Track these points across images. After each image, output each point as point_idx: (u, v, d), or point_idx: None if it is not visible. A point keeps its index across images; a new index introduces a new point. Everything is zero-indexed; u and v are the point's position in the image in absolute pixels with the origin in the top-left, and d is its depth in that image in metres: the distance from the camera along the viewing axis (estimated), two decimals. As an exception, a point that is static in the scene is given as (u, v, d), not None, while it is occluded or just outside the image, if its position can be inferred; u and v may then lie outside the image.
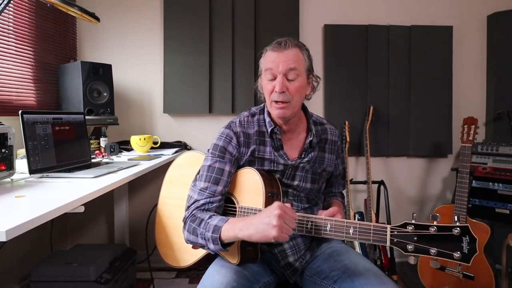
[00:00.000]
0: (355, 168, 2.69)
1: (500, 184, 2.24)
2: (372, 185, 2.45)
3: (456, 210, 2.06)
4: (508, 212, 2.19)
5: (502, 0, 2.59)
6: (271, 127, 1.20)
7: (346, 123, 2.52)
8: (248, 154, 1.20)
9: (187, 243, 1.16)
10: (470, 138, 2.09)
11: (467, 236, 0.85)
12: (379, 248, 2.32)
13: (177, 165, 1.46)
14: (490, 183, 2.28)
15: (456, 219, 0.90)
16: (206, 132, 2.61)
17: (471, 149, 2.09)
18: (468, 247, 0.84)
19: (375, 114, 2.57)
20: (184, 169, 1.42)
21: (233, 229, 1.01)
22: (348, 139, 2.47)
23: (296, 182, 1.23)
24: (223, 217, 1.07)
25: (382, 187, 2.50)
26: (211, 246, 1.05)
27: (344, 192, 1.48)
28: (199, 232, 1.08)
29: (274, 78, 1.14)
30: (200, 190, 1.16)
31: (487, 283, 2.00)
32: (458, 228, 0.85)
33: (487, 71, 2.66)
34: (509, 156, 2.28)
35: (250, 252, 1.13)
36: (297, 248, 1.20)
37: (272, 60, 1.15)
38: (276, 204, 0.96)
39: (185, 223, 1.16)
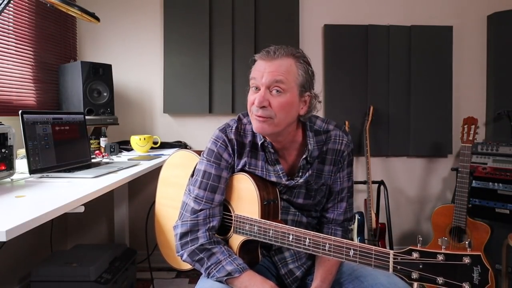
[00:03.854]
0: (355, 168, 2.69)
1: (500, 184, 2.24)
2: (372, 185, 2.45)
3: (456, 210, 2.06)
4: (508, 212, 2.19)
5: (502, 0, 2.59)
6: (261, 141, 1.09)
7: (346, 123, 2.52)
8: (240, 166, 1.13)
9: (181, 259, 1.11)
10: (470, 138, 2.09)
11: (478, 266, 0.76)
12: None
13: (170, 165, 1.42)
14: (490, 183, 2.27)
15: (467, 245, 0.82)
16: (206, 132, 2.61)
17: (471, 149, 2.09)
18: (479, 278, 0.76)
19: (375, 114, 2.57)
20: (177, 169, 1.38)
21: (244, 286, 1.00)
22: (348, 139, 2.47)
23: (286, 197, 1.15)
24: (236, 264, 1.03)
25: (382, 187, 2.50)
26: (212, 279, 1.04)
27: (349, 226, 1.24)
28: (205, 265, 1.05)
29: (258, 90, 1.02)
30: (195, 197, 1.09)
31: (487, 283, 1.99)
32: (469, 257, 0.77)
33: (487, 71, 2.66)
34: (509, 156, 2.27)
35: (250, 255, 1.12)
36: (297, 255, 1.18)
37: (258, 69, 1.02)
38: None
39: (183, 245, 1.08)
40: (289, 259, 1.17)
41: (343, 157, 1.14)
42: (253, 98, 1.02)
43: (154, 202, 1.46)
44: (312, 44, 2.64)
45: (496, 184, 2.25)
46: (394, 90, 2.62)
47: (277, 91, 1.00)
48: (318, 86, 2.65)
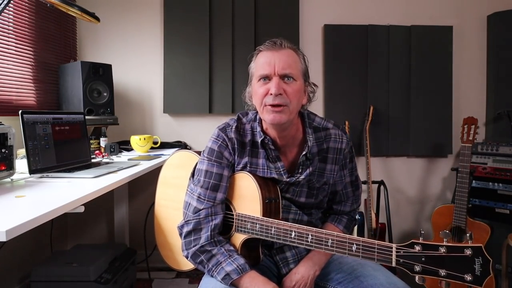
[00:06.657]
0: (355, 168, 2.69)
1: (500, 184, 2.24)
2: (372, 185, 2.45)
3: (456, 210, 2.06)
4: (508, 212, 2.19)
5: (502, 0, 2.58)
6: (261, 138, 1.10)
7: (346, 123, 2.52)
8: (241, 165, 1.13)
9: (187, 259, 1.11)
10: (470, 138, 2.09)
11: (480, 257, 0.77)
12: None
13: (170, 165, 1.42)
14: (490, 183, 2.27)
15: (468, 237, 0.82)
16: (206, 132, 2.58)
17: (471, 149, 2.09)
18: (481, 269, 0.77)
19: (375, 114, 2.57)
20: (177, 170, 1.37)
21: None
22: (348, 139, 2.47)
23: (288, 195, 1.15)
24: (236, 265, 1.01)
25: (382, 187, 2.50)
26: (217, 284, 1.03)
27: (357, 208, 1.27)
28: (207, 267, 1.05)
29: (268, 81, 1.03)
30: (198, 197, 1.09)
31: (487, 283, 1.99)
32: (470, 249, 0.77)
33: (487, 71, 2.66)
34: (509, 156, 2.27)
35: (251, 255, 1.12)
36: (299, 255, 1.18)
37: (267, 61, 1.02)
38: None
39: (187, 244, 1.08)
40: (290, 259, 1.17)
41: (344, 155, 1.15)
42: (265, 88, 1.02)
43: (153, 203, 1.46)
44: (312, 44, 2.64)
45: (496, 184, 2.25)
46: (394, 90, 2.62)
47: (289, 78, 1.02)
48: (318, 86, 2.66)
